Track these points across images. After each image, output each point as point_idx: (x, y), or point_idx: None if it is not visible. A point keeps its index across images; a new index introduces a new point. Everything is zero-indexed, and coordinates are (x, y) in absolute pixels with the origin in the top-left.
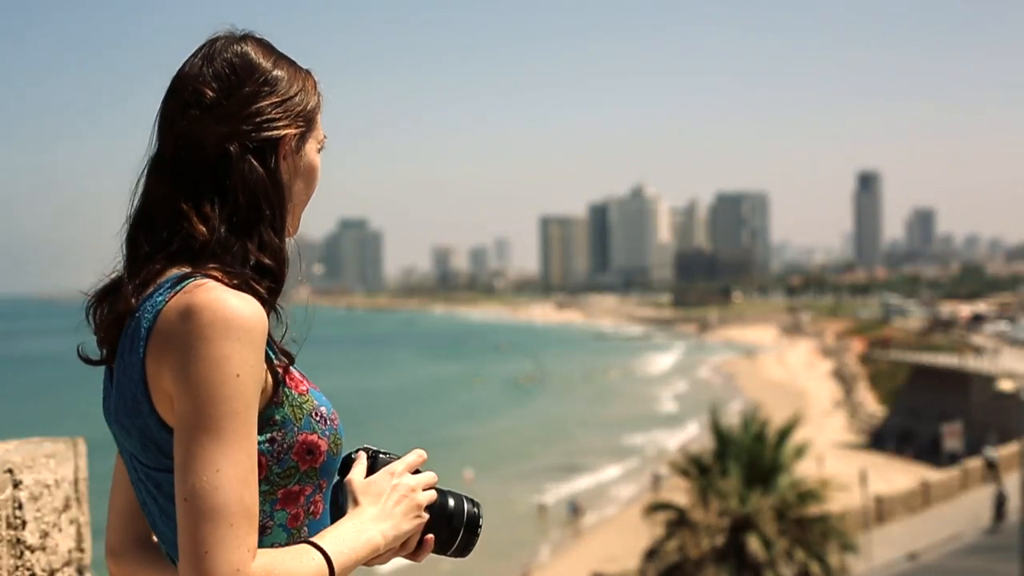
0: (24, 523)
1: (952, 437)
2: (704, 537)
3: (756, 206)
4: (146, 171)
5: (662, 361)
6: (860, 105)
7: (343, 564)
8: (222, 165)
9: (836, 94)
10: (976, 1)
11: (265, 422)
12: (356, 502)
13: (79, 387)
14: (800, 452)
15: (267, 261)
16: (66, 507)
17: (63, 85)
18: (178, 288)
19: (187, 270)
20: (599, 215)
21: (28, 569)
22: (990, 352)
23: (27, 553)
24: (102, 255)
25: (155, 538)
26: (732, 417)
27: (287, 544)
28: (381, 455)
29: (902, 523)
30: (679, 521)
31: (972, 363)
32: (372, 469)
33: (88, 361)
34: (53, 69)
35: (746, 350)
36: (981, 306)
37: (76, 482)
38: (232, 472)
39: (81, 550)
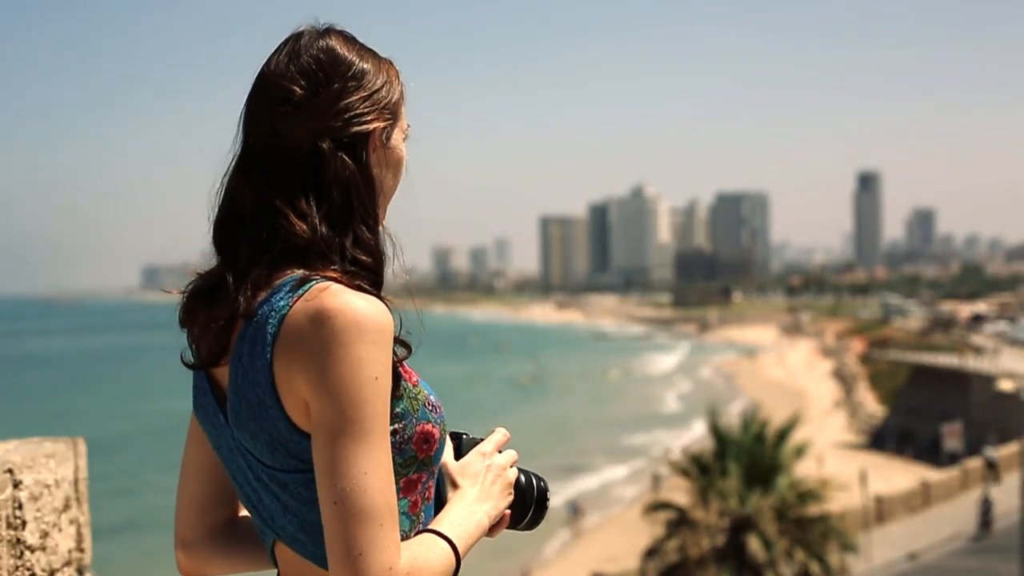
0: (24, 523)
1: (952, 437)
2: (704, 537)
3: (756, 206)
4: (232, 170)
5: (662, 361)
6: (860, 105)
7: (463, 549)
8: (314, 162)
9: (836, 94)
10: (976, 1)
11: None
12: (455, 485)
13: (79, 387)
14: (800, 452)
15: (364, 257)
16: (66, 507)
17: (63, 85)
18: (300, 292)
19: (303, 272)
20: (599, 215)
21: (28, 569)
22: (990, 352)
23: (27, 553)
24: (102, 255)
25: (249, 532)
26: (732, 417)
27: (410, 531)
28: (464, 436)
29: (902, 523)
30: (679, 521)
31: (972, 363)
32: (458, 450)
33: (191, 366)
34: (53, 69)
35: (746, 350)
36: (981, 306)
37: (76, 482)
38: (378, 473)
39: (81, 550)
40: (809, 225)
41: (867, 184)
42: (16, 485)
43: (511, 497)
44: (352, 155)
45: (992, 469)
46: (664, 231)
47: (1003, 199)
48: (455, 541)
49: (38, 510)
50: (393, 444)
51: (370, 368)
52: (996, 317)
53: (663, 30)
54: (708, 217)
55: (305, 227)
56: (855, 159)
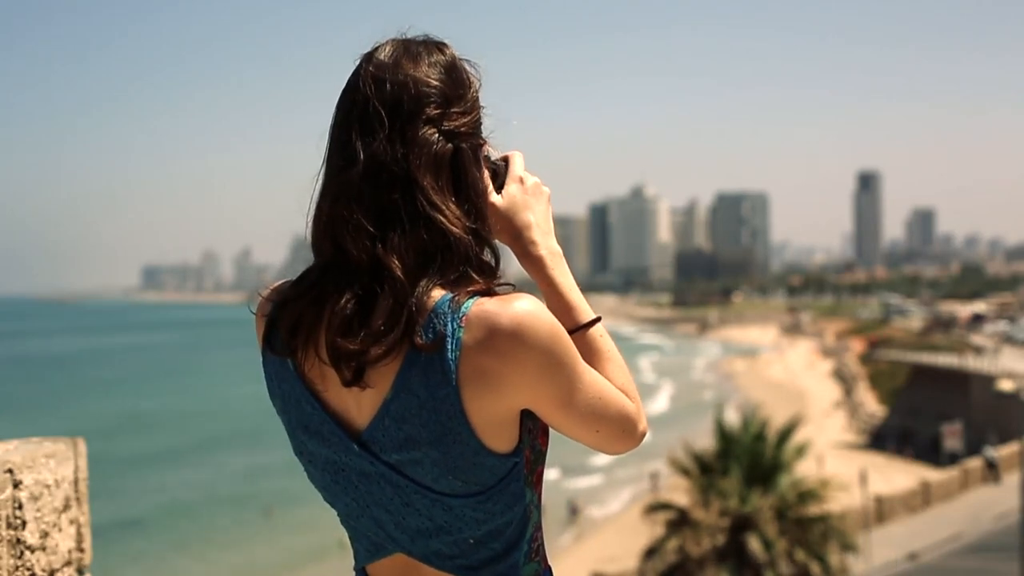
0: (24, 523)
1: (952, 437)
2: (704, 537)
3: (756, 206)
4: (379, 166)
5: (661, 361)
6: (860, 105)
7: (582, 303)
8: (456, 163)
9: (836, 94)
10: (976, 1)
11: (524, 415)
12: (524, 235)
13: (79, 387)
14: (800, 452)
15: (490, 260)
16: (66, 507)
17: (63, 85)
18: (463, 313)
19: (453, 292)
20: (599, 215)
21: (28, 569)
22: (990, 352)
23: (27, 553)
24: (102, 255)
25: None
26: (731, 417)
27: (538, 523)
28: (496, 163)
29: (902, 523)
30: (679, 521)
31: (972, 363)
32: (493, 178)
33: (349, 383)
34: (53, 69)
35: (746, 350)
36: (981, 306)
37: (76, 482)
38: (599, 383)
39: (81, 550)
40: (809, 225)
41: (867, 184)
42: (16, 485)
43: (551, 205)
44: (477, 165)
45: (992, 469)
46: (664, 231)
47: (1003, 199)
48: (587, 312)
49: (38, 510)
50: (530, 443)
51: (567, 340)
52: (996, 317)
53: (663, 30)
54: (708, 217)
55: (461, 227)
56: (855, 159)
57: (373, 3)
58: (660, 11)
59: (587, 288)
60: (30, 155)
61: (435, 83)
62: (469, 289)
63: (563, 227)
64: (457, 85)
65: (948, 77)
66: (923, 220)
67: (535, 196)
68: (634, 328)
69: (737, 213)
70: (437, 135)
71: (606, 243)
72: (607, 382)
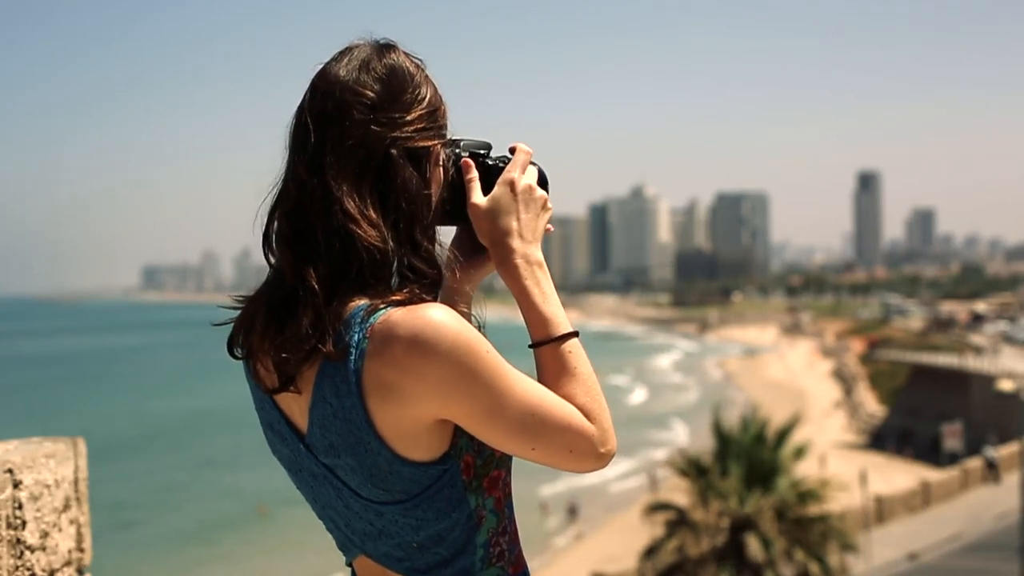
0: (24, 523)
1: (952, 437)
2: (704, 537)
3: (756, 206)
4: (301, 174)
5: (662, 360)
6: (860, 105)
7: (560, 315)
8: (384, 169)
9: (836, 94)
10: (977, 1)
11: None
12: (503, 242)
13: (79, 387)
14: (800, 452)
15: (425, 268)
16: (66, 507)
17: (63, 85)
18: (371, 322)
19: (368, 301)
20: (599, 215)
21: (28, 569)
22: (990, 352)
23: (27, 553)
24: (102, 255)
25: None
26: (731, 417)
27: (498, 526)
28: (488, 161)
29: (902, 523)
30: (679, 521)
31: (972, 363)
32: (486, 177)
33: (276, 391)
34: (53, 69)
35: (746, 350)
36: (981, 306)
37: (76, 482)
38: (536, 393)
39: (81, 550)
40: (809, 225)
41: (867, 184)
42: (16, 485)
43: (550, 211)
44: (417, 168)
45: (992, 469)
46: (664, 231)
47: (1003, 199)
48: (561, 325)
49: (38, 510)
50: (470, 447)
51: (477, 351)
52: (996, 317)
53: (663, 30)
54: (708, 217)
55: (376, 236)
56: (855, 159)
57: (375, 3)
58: (660, 11)
59: (587, 288)
60: (30, 155)
61: (362, 88)
62: (391, 298)
63: (563, 227)
64: (393, 89)
65: (948, 77)
66: (923, 220)
67: (524, 200)
68: (640, 328)
69: (737, 213)
70: (359, 141)
71: (606, 243)
72: (555, 400)
